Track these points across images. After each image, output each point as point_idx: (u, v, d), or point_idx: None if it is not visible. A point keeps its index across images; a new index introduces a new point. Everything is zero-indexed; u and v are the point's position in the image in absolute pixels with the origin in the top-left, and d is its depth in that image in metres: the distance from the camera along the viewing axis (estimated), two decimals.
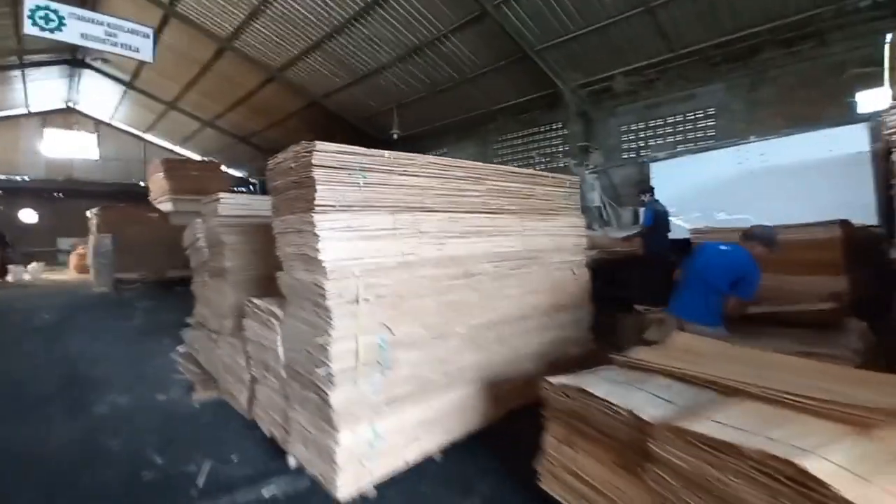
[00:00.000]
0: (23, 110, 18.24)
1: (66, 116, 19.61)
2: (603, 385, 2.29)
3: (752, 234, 3.19)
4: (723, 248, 3.21)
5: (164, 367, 4.89)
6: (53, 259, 18.35)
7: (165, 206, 11.68)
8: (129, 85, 16.15)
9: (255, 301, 3.24)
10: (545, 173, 3.86)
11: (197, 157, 19.13)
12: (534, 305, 3.63)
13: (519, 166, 7.67)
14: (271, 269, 4.62)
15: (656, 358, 2.58)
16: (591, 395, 2.19)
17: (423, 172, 2.88)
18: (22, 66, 14.26)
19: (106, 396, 4.13)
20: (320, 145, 2.38)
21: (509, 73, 9.80)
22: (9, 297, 9.51)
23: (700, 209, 7.16)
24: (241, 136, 17.91)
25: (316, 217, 2.36)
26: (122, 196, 18.14)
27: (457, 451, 2.95)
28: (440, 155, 13.33)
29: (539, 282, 3.69)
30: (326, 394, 2.38)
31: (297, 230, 2.58)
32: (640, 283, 5.67)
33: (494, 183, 3.36)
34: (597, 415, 2.16)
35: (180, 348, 5.33)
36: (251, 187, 19.55)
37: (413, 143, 12.49)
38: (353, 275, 2.48)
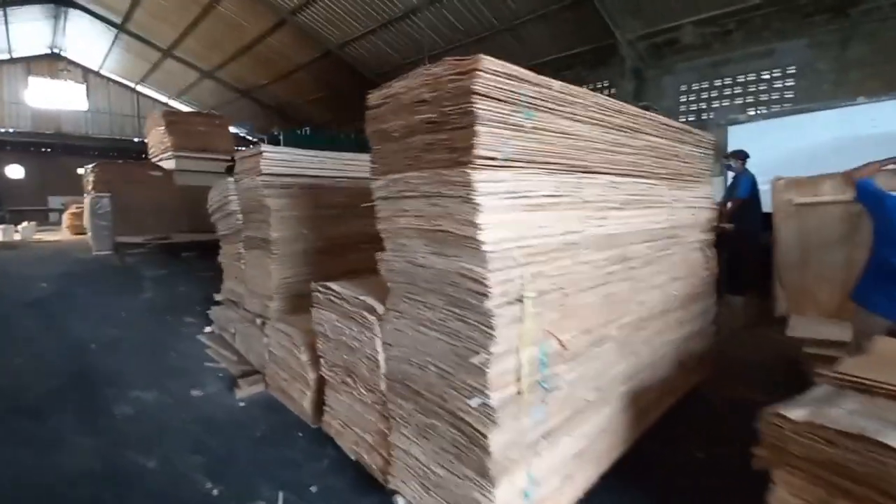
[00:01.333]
0: (4, 55, 16.70)
1: (52, 63, 18.08)
2: (885, 428, 1.56)
3: None
4: None
5: (193, 353, 4.15)
6: (45, 218, 17.30)
7: (167, 164, 10.67)
8: (120, 27, 14.65)
9: (335, 287, 2.46)
10: (689, 127, 3.03)
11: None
12: (675, 295, 2.88)
13: None
14: (325, 241, 3.85)
15: None
16: (889, 447, 1.46)
17: (586, 117, 2.05)
18: (2, 2, 12.78)
19: (128, 392, 3.40)
20: (486, 61, 1.54)
21: (556, 21, 8.69)
22: None
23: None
24: (243, 90, 16.63)
25: (475, 175, 1.55)
26: (115, 152, 17.00)
27: (607, 491, 2.26)
28: None
29: (679, 266, 2.94)
30: (483, 435, 1.64)
31: (426, 194, 1.77)
32: (730, 266, 4.92)
33: (648, 138, 2.54)
34: None
35: (208, 329, 4.58)
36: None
37: None
38: (515, 262, 1.70)
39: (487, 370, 1.61)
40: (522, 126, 1.72)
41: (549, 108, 1.83)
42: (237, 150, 12.75)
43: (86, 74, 18.89)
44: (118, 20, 14.24)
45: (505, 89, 1.62)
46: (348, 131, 13.88)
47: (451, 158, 1.65)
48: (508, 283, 1.66)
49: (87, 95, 19.07)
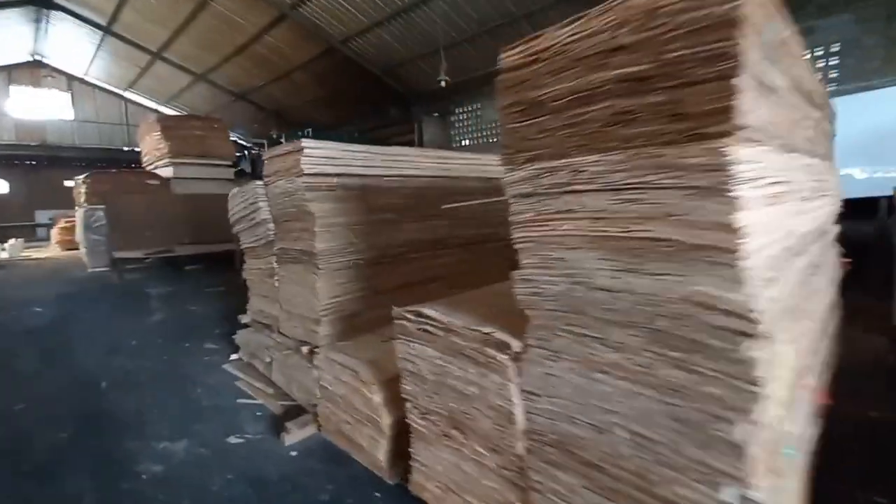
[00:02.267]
0: None
1: (34, 71, 17.26)
2: None
3: None
4: None
5: (221, 387, 3.55)
6: (32, 234, 16.51)
7: (165, 172, 10.01)
8: (106, 30, 13.88)
9: (433, 314, 1.89)
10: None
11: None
12: (830, 304, 2.37)
13: None
14: (376, 251, 3.29)
15: None
16: None
17: (793, 77, 1.51)
18: None
19: (153, 443, 2.80)
20: None
21: (581, 5, 8.13)
22: None
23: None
24: (238, 93, 15.93)
25: (734, 153, 1.01)
26: (104, 163, 16.27)
27: None
28: (472, 112, 11.60)
29: (831, 267, 2.43)
30: None
31: (615, 187, 1.22)
32: None
33: (817, 109, 2.01)
34: None
35: (234, 356, 3.99)
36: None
37: (438, 99, 10.76)
38: (762, 280, 1.16)
39: (749, 447, 1.07)
40: (765, 82, 1.18)
41: (778, 59, 1.29)
42: (236, 155, 12.09)
43: (70, 82, 18.08)
44: (104, 22, 13.49)
45: (761, 23, 1.08)
46: (352, 131, 13.29)
47: (678, 130, 1.10)
48: (764, 312, 1.12)
49: (73, 104, 18.26)
